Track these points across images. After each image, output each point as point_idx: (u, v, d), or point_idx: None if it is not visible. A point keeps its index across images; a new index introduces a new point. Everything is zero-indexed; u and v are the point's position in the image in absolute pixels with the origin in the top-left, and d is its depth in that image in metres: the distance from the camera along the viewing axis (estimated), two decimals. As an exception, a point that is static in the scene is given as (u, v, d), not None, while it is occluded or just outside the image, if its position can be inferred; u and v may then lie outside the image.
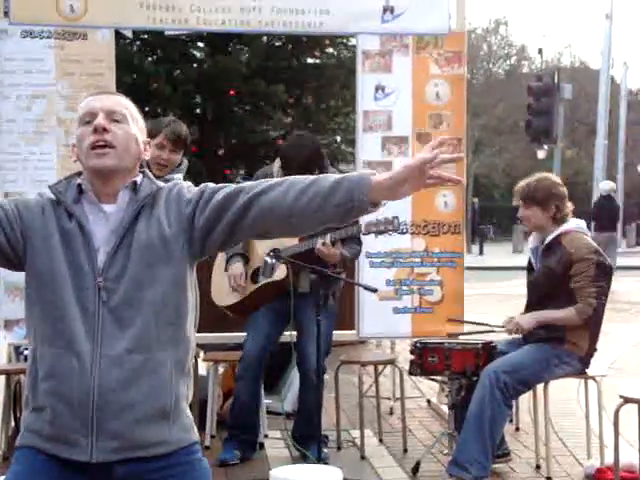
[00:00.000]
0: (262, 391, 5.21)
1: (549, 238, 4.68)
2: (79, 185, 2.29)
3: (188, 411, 2.36)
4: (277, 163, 4.97)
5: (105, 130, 2.25)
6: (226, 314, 5.19)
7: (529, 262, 4.93)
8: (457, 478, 4.42)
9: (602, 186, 16.82)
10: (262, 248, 4.93)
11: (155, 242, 2.24)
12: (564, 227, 4.68)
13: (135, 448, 2.22)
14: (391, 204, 5.73)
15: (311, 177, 2.24)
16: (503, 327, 4.77)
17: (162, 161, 4.47)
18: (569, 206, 4.75)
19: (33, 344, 2.27)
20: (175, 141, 4.52)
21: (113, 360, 2.17)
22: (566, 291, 4.59)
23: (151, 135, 4.55)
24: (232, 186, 2.29)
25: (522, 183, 4.84)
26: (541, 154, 29.06)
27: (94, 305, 2.20)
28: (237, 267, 4.97)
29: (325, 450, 4.97)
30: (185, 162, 4.75)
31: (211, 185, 2.32)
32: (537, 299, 4.77)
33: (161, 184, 2.35)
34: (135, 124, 2.33)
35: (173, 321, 2.25)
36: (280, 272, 4.85)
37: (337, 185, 2.19)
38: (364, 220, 4.92)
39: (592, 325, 4.63)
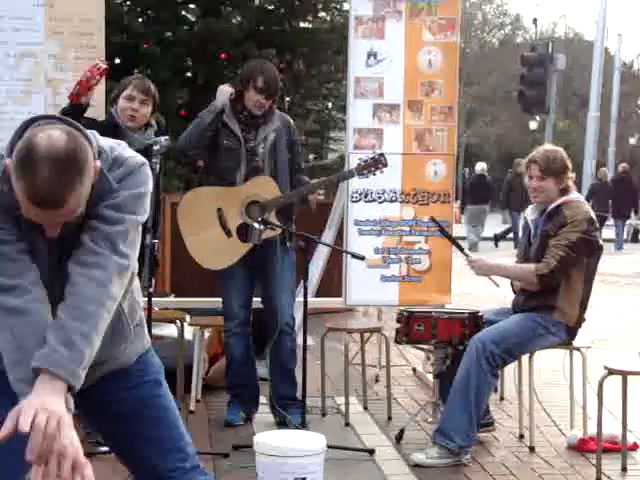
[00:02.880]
0: None
1: (551, 206, 4.66)
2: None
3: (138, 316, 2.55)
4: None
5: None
6: (210, 279, 5.15)
7: (526, 228, 4.91)
8: (442, 447, 4.43)
9: (477, 167, 19.67)
10: (240, 198, 4.89)
11: None
12: (566, 197, 4.67)
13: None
14: (380, 174, 5.78)
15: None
16: (469, 258, 4.82)
17: (132, 112, 4.58)
18: (572, 177, 4.75)
19: None
20: (144, 91, 4.63)
21: None
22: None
23: (121, 88, 4.63)
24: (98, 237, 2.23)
25: (538, 152, 4.75)
26: (533, 125, 29.07)
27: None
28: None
29: (306, 416, 4.98)
30: (154, 123, 4.76)
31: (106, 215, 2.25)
32: (524, 261, 4.75)
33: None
34: (84, 183, 2.13)
35: None
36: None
37: None
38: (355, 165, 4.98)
39: (584, 294, 4.64)
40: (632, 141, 37.49)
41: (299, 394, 4.79)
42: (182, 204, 5.12)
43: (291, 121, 5.13)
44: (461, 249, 4.92)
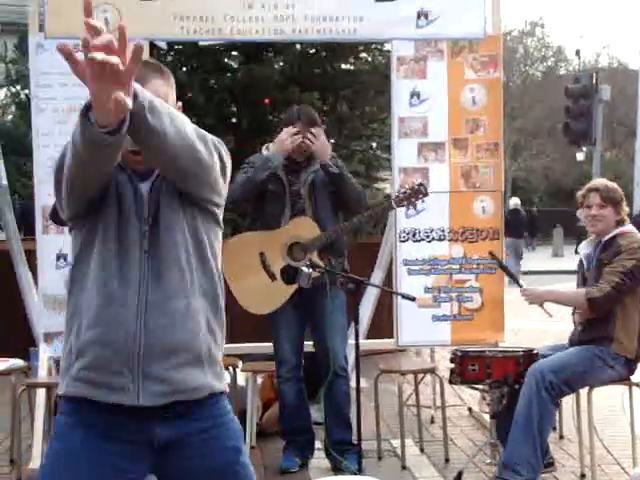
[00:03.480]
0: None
1: (606, 238, 4.65)
2: None
3: (221, 361, 2.41)
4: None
5: None
6: (263, 323, 5.15)
7: (581, 265, 4.87)
8: None
9: (510, 202, 20.77)
10: (281, 240, 4.89)
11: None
12: (621, 228, 4.67)
13: (176, 392, 2.27)
14: (429, 212, 5.76)
15: None
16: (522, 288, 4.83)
17: None
18: (626, 210, 4.75)
19: (73, 297, 2.30)
20: None
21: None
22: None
23: None
24: None
25: (599, 182, 4.84)
26: (580, 156, 28.81)
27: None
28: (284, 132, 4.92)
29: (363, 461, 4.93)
30: None
31: None
32: None
33: None
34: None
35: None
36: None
37: None
38: (392, 195, 4.95)
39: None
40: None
41: (354, 438, 4.74)
42: (226, 250, 5.13)
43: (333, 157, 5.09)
44: (516, 280, 4.91)
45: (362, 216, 4.97)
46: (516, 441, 4.40)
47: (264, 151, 5.03)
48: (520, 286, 4.86)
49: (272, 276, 4.93)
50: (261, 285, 4.91)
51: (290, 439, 5.07)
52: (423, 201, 5.08)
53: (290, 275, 4.85)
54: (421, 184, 5.04)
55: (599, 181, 4.88)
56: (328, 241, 4.87)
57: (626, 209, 4.74)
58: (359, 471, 4.50)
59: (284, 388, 5.03)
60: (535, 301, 4.82)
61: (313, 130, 4.89)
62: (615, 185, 4.78)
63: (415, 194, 4.99)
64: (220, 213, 2.45)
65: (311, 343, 5.08)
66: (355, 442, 4.73)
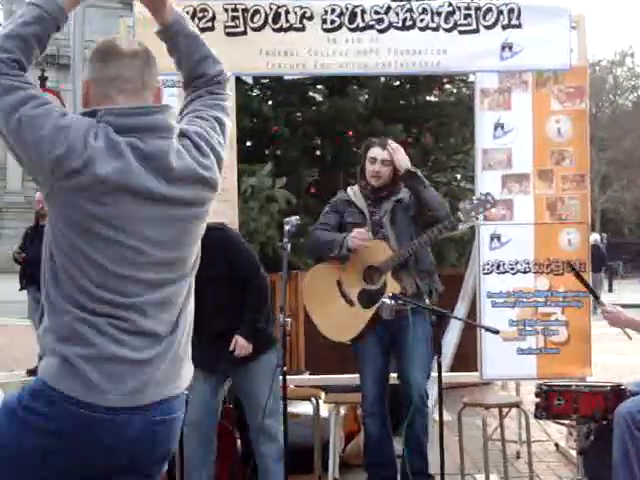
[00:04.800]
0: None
1: None
2: None
3: None
4: (354, 187, 5.10)
5: None
6: (345, 355, 5.16)
7: None
8: None
9: (590, 238, 20.62)
10: (357, 266, 4.91)
11: None
12: None
13: None
14: (513, 243, 5.69)
15: None
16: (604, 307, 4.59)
17: None
18: None
19: None
20: None
21: None
22: None
23: None
24: None
25: None
26: (672, 187, 28.16)
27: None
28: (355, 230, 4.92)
29: None
30: None
31: None
32: None
33: None
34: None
35: None
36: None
37: None
38: (461, 207, 4.91)
39: None
40: None
41: (432, 471, 4.70)
42: (305, 282, 5.20)
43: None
44: (596, 297, 4.79)
45: (432, 231, 4.86)
46: None
47: (349, 190, 5.11)
48: (598, 301, 4.71)
49: (350, 302, 4.95)
50: (340, 312, 4.95)
51: (373, 472, 5.05)
52: (491, 211, 5.00)
53: (367, 299, 4.88)
54: (488, 194, 4.99)
55: None
56: (401, 259, 4.84)
57: None
58: None
59: (368, 422, 5.02)
60: (618, 325, 4.66)
61: (392, 144, 4.94)
62: None
63: (482, 204, 4.94)
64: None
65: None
66: (430, 474, 4.76)
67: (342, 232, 4.99)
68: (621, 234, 38.48)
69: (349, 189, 5.18)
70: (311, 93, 9.66)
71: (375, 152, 4.99)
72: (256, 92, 9.49)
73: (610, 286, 28.09)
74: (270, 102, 9.42)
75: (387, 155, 4.96)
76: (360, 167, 5.11)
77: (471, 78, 7.90)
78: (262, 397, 4.51)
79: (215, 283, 4.32)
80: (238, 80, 6.07)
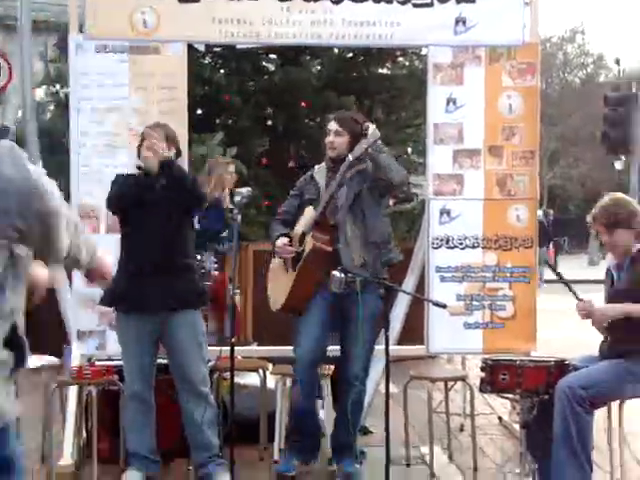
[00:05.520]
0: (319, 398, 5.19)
1: (635, 249, 4.55)
2: None
3: None
4: (317, 167, 5.09)
5: None
6: (292, 327, 5.15)
7: (609, 274, 4.78)
8: None
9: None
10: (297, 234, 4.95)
11: None
12: None
13: None
14: (462, 219, 5.74)
15: None
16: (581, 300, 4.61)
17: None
18: None
19: None
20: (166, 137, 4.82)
21: None
22: None
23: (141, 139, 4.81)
24: None
25: (598, 210, 4.64)
26: (618, 165, 28.53)
27: None
28: (281, 240, 4.95)
29: (358, 466, 4.97)
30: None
31: None
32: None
33: None
34: None
35: None
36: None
37: None
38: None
39: None
40: None
41: (377, 443, 4.75)
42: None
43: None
44: (575, 294, 4.76)
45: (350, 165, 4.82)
46: (560, 463, 4.34)
47: (316, 167, 5.11)
48: (579, 299, 4.69)
49: (287, 269, 4.97)
50: (282, 281, 4.96)
51: (295, 440, 5.03)
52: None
53: (295, 262, 4.89)
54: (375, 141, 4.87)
55: (598, 207, 4.63)
56: (315, 218, 4.86)
57: None
58: (350, 475, 4.75)
59: (295, 390, 5.00)
60: (599, 319, 4.58)
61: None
62: (616, 202, 4.59)
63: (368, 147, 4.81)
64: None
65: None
66: (362, 450, 4.98)
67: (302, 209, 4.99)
68: (567, 210, 38.97)
69: (317, 166, 5.17)
70: (264, 63, 9.59)
71: (329, 125, 5.01)
72: (208, 60, 9.39)
73: (555, 261, 28.49)
74: (222, 71, 9.33)
75: (339, 126, 4.95)
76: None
77: (424, 52, 7.89)
78: (187, 356, 4.72)
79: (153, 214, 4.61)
80: (190, 48, 5.98)
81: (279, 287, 4.99)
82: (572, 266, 18.54)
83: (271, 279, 5.12)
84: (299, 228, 4.93)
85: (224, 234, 6.32)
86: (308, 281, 4.87)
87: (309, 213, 4.94)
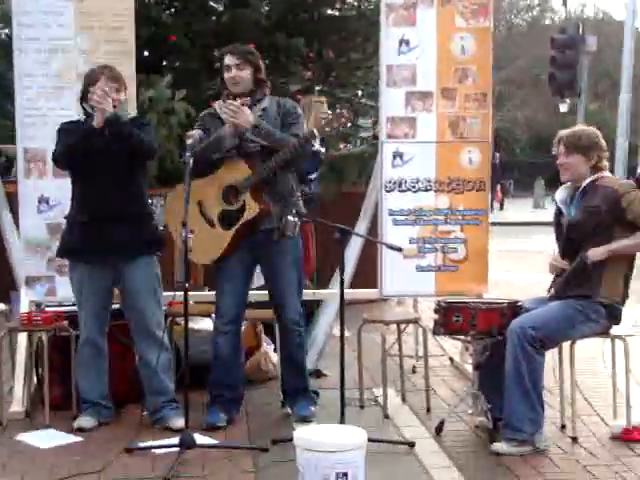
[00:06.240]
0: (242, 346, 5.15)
1: (585, 182, 4.60)
2: None
3: None
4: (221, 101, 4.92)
5: None
6: None
7: (558, 213, 4.81)
8: (512, 440, 4.40)
9: None
10: (216, 185, 4.83)
11: None
12: (600, 173, 4.62)
13: None
14: (415, 162, 5.73)
15: None
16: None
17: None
18: (606, 158, 4.68)
19: None
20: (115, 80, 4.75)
21: None
22: (607, 230, 4.50)
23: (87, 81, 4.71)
24: None
25: (566, 130, 4.75)
26: (564, 108, 28.70)
27: None
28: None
29: (312, 408, 4.99)
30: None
31: None
32: (577, 242, 4.60)
33: None
34: None
35: None
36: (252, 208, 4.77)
37: None
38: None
39: (628, 270, 4.59)
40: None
41: (331, 386, 4.79)
42: (167, 203, 5.08)
43: (284, 100, 5.00)
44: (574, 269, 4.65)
45: (288, 149, 4.70)
46: (512, 401, 4.42)
47: (216, 104, 4.93)
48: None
49: (211, 223, 4.85)
50: (202, 234, 4.72)
51: (217, 394, 4.97)
52: (346, 126, 4.87)
53: (228, 220, 4.80)
54: (343, 110, 4.84)
55: (566, 130, 4.76)
56: (259, 179, 4.73)
57: (604, 155, 4.65)
58: (305, 418, 4.84)
59: (220, 341, 4.93)
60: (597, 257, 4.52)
61: (231, 105, 4.75)
62: (585, 131, 4.68)
63: (337, 118, 4.73)
64: None
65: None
66: (316, 390, 5.09)
67: None
68: (513, 153, 39.28)
69: (216, 103, 4.97)
70: (211, 3, 9.41)
71: (227, 60, 4.84)
72: (154, 0, 9.18)
73: (501, 204, 28.79)
74: (168, 11, 9.14)
75: (237, 59, 4.82)
76: (221, 79, 4.96)
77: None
78: (142, 301, 4.78)
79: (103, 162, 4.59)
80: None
81: (207, 241, 4.79)
82: (518, 209, 18.76)
83: (176, 214, 4.66)
84: (228, 180, 4.80)
85: None
86: (240, 238, 4.83)
87: (239, 167, 4.77)
